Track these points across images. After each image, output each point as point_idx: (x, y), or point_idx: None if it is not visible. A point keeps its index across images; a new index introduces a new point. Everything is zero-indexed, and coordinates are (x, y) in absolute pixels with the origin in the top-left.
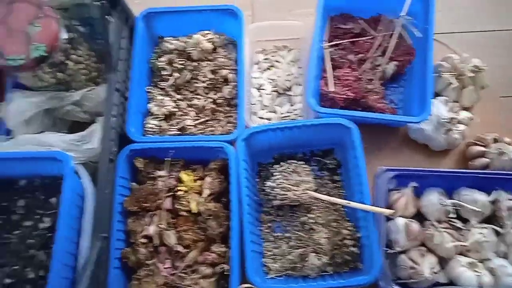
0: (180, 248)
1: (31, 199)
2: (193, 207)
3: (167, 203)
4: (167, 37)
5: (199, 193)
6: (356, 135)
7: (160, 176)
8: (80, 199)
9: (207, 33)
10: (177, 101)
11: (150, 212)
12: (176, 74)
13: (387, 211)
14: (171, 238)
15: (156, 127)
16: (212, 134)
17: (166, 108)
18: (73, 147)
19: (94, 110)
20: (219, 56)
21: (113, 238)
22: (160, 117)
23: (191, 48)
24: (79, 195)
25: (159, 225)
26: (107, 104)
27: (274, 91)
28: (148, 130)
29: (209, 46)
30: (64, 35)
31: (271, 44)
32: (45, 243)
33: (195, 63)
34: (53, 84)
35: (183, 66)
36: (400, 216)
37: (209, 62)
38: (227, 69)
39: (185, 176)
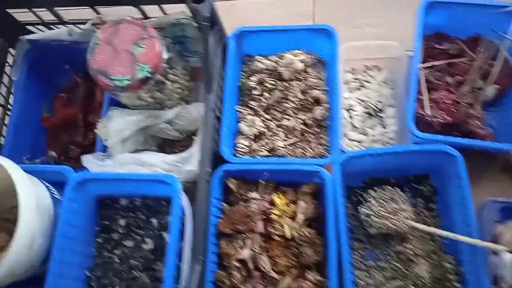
0: (274, 274)
1: (133, 218)
2: (287, 232)
3: (260, 226)
4: (257, 56)
5: (292, 217)
6: (461, 164)
7: (253, 198)
8: (181, 221)
9: (299, 53)
10: (266, 121)
11: (243, 235)
12: (266, 94)
13: (501, 247)
14: (266, 263)
15: (246, 147)
16: (302, 156)
17: (257, 128)
18: (175, 168)
19: (185, 128)
20: (310, 76)
21: (208, 261)
22: (251, 137)
23: (283, 68)
24: (181, 217)
25: (253, 249)
26: (205, 125)
27: (365, 112)
28: (239, 150)
29: (301, 66)
30: (165, 55)
31: (361, 64)
32: (148, 265)
33: (285, 83)
34: (150, 103)
35: (273, 86)
36: (508, 251)
37: (299, 82)
38: (318, 89)
39: (277, 199)
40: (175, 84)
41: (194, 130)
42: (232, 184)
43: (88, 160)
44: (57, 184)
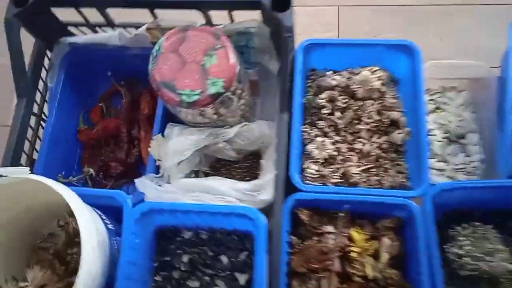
0: None
1: (198, 254)
2: (369, 272)
3: (337, 265)
4: (326, 71)
5: (374, 255)
6: None
7: (329, 233)
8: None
9: (377, 69)
10: (336, 143)
11: (317, 274)
12: (338, 114)
13: None
14: None
15: (316, 173)
16: (377, 185)
17: (327, 152)
18: (248, 198)
19: (244, 148)
20: (388, 96)
21: None
22: (320, 161)
23: (357, 86)
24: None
25: None
26: (279, 149)
27: (445, 138)
28: (308, 176)
29: (378, 84)
30: (238, 68)
31: (437, 84)
32: None
33: (360, 102)
34: (212, 121)
35: (346, 105)
36: None
37: (374, 102)
38: (397, 110)
39: (356, 234)
40: (241, 100)
41: (253, 151)
42: (304, 215)
43: (144, 184)
44: (102, 207)
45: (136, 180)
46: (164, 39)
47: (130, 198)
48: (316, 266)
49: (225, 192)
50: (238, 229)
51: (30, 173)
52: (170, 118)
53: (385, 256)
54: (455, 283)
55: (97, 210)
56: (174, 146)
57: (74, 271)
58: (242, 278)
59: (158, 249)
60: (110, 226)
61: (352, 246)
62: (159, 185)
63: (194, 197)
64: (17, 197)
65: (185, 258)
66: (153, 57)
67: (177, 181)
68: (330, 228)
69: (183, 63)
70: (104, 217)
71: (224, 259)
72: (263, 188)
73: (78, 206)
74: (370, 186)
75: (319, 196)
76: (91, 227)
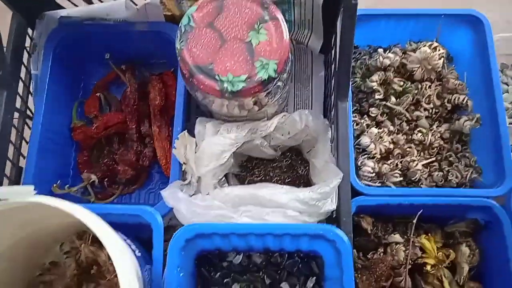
0: None
1: (251, 283)
2: (447, 286)
3: (409, 282)
4: (373, 49)
5: (449, 267)
6: None
7: (397, 243)
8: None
9: (436, 45)
10: (391, 134)
11: None
12: (393, 99)
13: None
14: None
15: (373, 171)
16: (443, 182)
17: (384, 145)
18: (312, 209)
19: (282, 144)
20: (450, 76)
21: None
22: (377, 157)
23: (415, 65)
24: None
25: None
26: (342, 145)
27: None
28: (365, 176)
29: (440, 62)
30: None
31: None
32: None
33: (418, 85)
34: (253, 114)
35: (402, 89)
36: None
37: (432, 84)
38: (462, 93)
39: (427, 243)
40: (286, 86)
41: (292, 146)
42: (366, 223)
43: (176, 198)
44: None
45: (163, 192)
46: (194, 9)
47: (159, 215)
48: (384, 284)
49: (285, 204)
50: (302, 250)
51: (35, 193)
52: (190, 108)
53: (465, 268)
54: None
55: (123, 236)
56: (209, 148)
57: None
58: None
59: (199, 279)
60: (137, 253)
61: (425, 257)
62: (190, 196)
63: (247, 213)
64: (17, 223)
65: None
66: (181, 33)
67: (217, 191)
68: (398, 238)
69: (223, 41)
70: (129, 242)
71: (286, 287)
72: (329, 196)
73: (103, 232)
74: (433, 183)
75: (382, 201)
76: (125, 258)
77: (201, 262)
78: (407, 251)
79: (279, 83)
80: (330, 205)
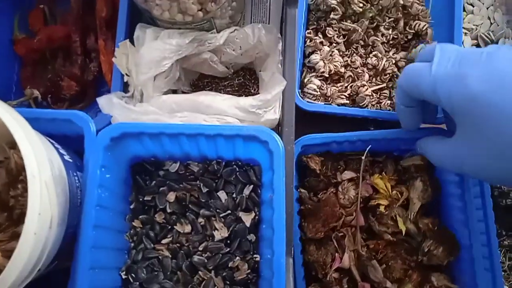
0: (389, 285)
1: (188, 191)
2: (402, 227)
3: (362, 221)
4: None
5: (403, 204)
6: None
7: (349, 180)
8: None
9: None
10: (345, 56)
11: (338, 233)
12: (350, 20)
13: None
14: (378, 272)
15: (319, 90)
16: (392, 111)
17: (335, 64)
18: (251, 117)
19: (235, 61)
20: (414, 1)
21: (298, 277)
22: (325, 76)
23: None
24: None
25: (357, 253)
26: (289, 55)
27: (474, 45)
28: (310, 92)
29: None
30: None
31: None
32: (223, 262)
33: (378, 7)
34: (197, 21)
35: (361, 10)
36: None
37: (394, 8)
38: (425, 21)
39: (380, 181)
40: None
41: (245, 65)
42: (314, 163)
43: (111, 104)
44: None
45: (99, 99)
46: None
47: (91, 120)
48: (335, 224)
49: (224, 110)
50: (240, 158)
51: None
52: (138, 20)
53: (417, 204)
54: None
55: (48, 138)
56: (149, 54)
57: (20, 218)
58: (247, 219)
59: (134, 187)
60: (67, 158)
61: (378, 198)
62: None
63: (183, 118)
64: None
65: (171, 197)
66: None
67: (155, 99)
68: (349, 175)
69: None
70: (57, 146)
71: (222, 195)
72: (270, 104)
73: (19, 127)
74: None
75: (329, 138)
76: (41, 155)
77: (137, 171)
78: (357, 189)
79: None
80: (273, 114)
